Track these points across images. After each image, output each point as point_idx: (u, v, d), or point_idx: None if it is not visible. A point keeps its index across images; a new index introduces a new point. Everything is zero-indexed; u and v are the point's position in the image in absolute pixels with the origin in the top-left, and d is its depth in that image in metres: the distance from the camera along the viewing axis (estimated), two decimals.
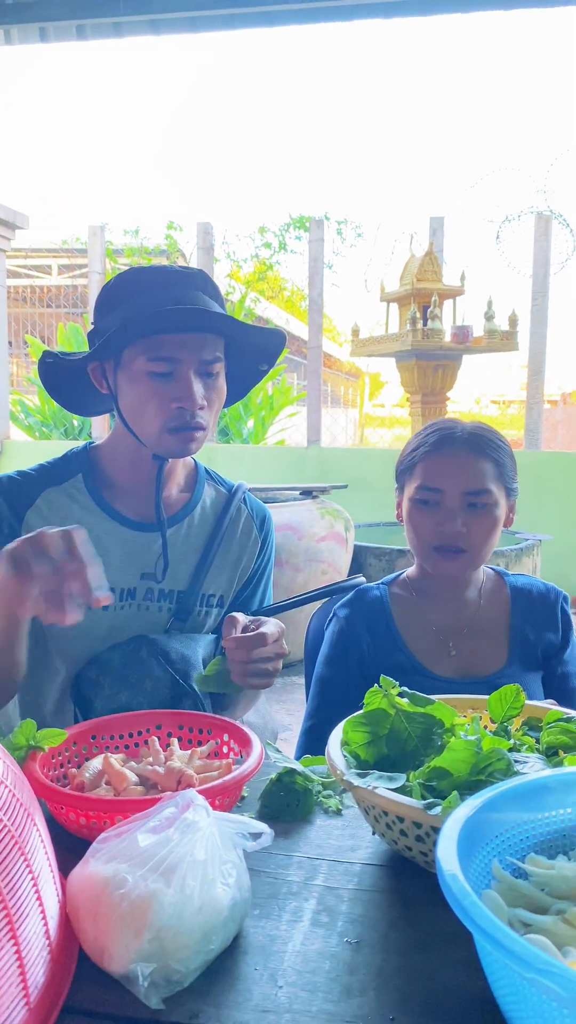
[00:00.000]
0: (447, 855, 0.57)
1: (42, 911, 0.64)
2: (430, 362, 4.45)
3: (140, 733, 1.02)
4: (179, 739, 1.01)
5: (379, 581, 1.44)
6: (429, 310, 4.27)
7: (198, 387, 1.18)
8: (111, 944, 0.64)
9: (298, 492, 4.41)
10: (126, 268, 1.47)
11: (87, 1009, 0.62)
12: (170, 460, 1.27)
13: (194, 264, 6.31)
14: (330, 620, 1.41)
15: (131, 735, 1.02)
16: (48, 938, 0.64)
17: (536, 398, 5.40)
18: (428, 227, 5.49)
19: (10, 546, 0.99)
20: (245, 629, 1.12)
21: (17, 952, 0.60)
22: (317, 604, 1.63)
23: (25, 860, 0.63)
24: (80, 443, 1.38)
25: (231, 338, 1.23)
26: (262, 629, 1.09)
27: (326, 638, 1.40)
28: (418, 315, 4.26)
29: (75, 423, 7.28)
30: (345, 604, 1.40)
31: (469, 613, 1.37)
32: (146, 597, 1.27)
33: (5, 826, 0.62)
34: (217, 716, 1.05)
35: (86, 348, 1.28)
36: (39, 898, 0.65)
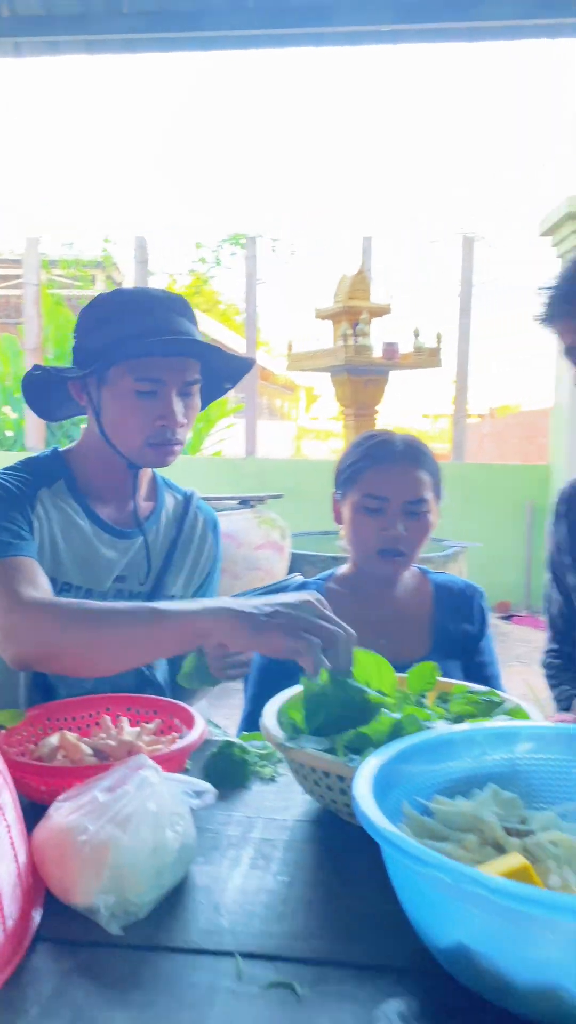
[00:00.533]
0: (362, 789, 0.69)
1: (14, 855, 0.74)
2: (361, 377, 4.62)
3: (91, 715, 1.11)
4: (128, 720, 1.11)
5: (315, 578, 1.56)
6: (359, 327, 4.43)
7: (179, 406, 1.29)
8: (76, 882, 0.74)
9: (236, 502, 4.51)
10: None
11: (57, 938, 0.72)
12: (143, 468, 1.37)
13: (130, 277, 6.38)
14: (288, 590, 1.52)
15: (83, 717, 1.11)
16: (19, 879, 0.73)
17: (462, 411, 5.62)
18: (359, 247, 5.68)
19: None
20: None
21: None
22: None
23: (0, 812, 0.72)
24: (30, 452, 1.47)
25: (207, 361, 1.34)
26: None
27: (255, 662, 1.50)
28: (349, 331, 4.42)
29: (8, 433, 7.25)
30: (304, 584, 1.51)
31: (397, 607, 1.50)
32: (116, 597, 1.35)
33: None
34: (163, 698, 1.15)
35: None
36: (12, 844, 0.74)
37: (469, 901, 0.56)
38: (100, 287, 9.73)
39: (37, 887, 0.77)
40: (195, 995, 0.64)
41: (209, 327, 9.31)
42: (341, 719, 0.94)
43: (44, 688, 1.28)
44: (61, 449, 1.43)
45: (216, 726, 1.12)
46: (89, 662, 1.08)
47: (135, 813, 0.77)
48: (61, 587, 1.30)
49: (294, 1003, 0.63)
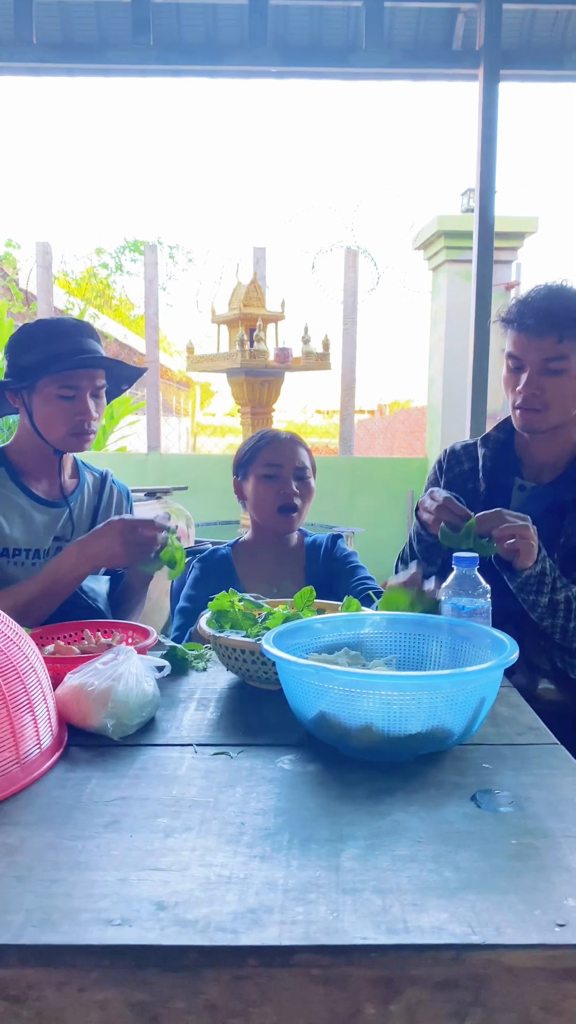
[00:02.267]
0: (268, 643, 1.16)
1: (45, 699, 1.18)
2: (258, 378, 5.07)
3: (72, 635, 1.55)
4: (101, 633, 1.55)
5: (225, 544, 2.03)
6: (255, 333, 4.89)
7: (92, 405, 1.77)
8: (90, 713, 1.18)
9: (143, 494, 4.91)
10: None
11: (81, 744, 1.16)
12: (66, 453, 1.83)
13: (33, 281, 6.65)
14: (190, 570, 1.98)
15: (65, 636, 1.55)
16: (49, 715, 1.17)
17: (349, 410, 6.19)
18: (252, 256, 6.15)
19: (121, 526, 1.62)
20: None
21: (35, 720, 1.13)
22: None
23: (36, 678, 1.17)
24: None
25: (110, 369, 1.81)
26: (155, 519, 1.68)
27: (187, 582, 1.97)
28: (245, 337, 4.87)
29: None
30: (200, 559, 1.98)
31: (285, 562, 1.99)
32: (57, 552, 1.79)
33: (26, 664, 1.15)
34: (121, 621, 1.60)
35: None
36: (44, 695, 1.18)
37: (326, 682, 1.05)
38: None
39: (61, 722, 1.21)
40: (168, 767, 1.10)
41: (112, 328, 9.64)
42: (243, 621, 1.43)
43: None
44: (3, 446, 1.87)
45: (165, 636, 1.57)
46: (30, 617, 1.59)
47: (124, 673, 1.22)
48: (12, 553, 1.75)
49: (229, 760, 1.11)
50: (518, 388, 1.67)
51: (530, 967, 0.70)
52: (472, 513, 1.55)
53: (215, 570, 1.96)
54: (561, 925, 0.72)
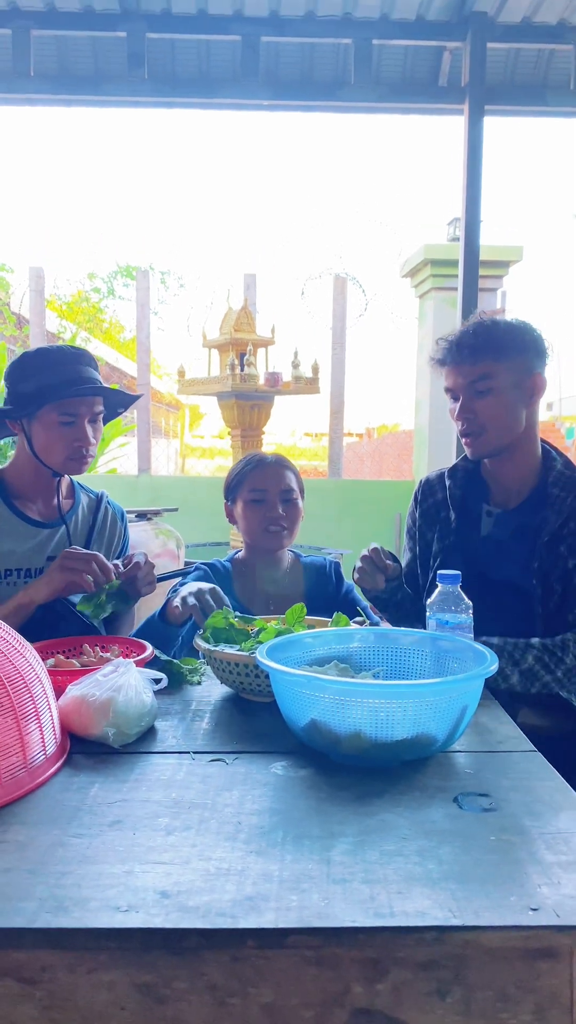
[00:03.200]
0: (262, 655, 1.23)
1: (50, 708, 1.23)
2: (248, 402, 5.15)
3: (71, 649, 1.61)
4: (99, 648, 1.61)
5: (223, 559, 2.09)
6: (245, 358, 4.98)
7: (89, 431, 1.83)
8: (91, 723, 1.24)
9: (134, 515, 4.96)
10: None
11: (83, 751, 1.22)
12: (63, 475, 1.89)
13: (26, 305, 6.74)
14: (189, 577, 2.05)
15: (66, 651, 1.60)
16: (53, 724, 1.23)
17: (337, 433, 6.28)
18: (243, 282, 6.26)
19: (63, 554, 1.71)
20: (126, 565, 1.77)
21: (40, 728, 1.18)
22: (169, 584, 2.28)
23: (42, 688, 1.22)
24: None
25: (107, 396, 1.88)
26: (137, 561, 1.76)
27: (181, 582, 2.03)
28: (236, 361, 4.95)
29: None
30: (202, 568, 2.04)
31: (280, 581, 2.06)
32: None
33: (32, 675, 1.21)
34: (118, 636, 1.66)
35: None
36: (48, 705, 1.23)
37: (317, 691, 1.11)
38: None
39: (64, 731, 1.27)
40: (167, 772, 1.16)
41: (104, 352, 9.75)
42: (237, 636, 1.49)
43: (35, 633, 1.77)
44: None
45: (161, 653, 1.63)
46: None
47: (124, 684, 1.28)
48: (4, 574, 1.81)
49: (225, 766, 1.16)
50: (456, 416, 1.76)
51: (506, 947, 0.76)
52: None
53: (214, 571, 2.03)
54: (534, 909, 0.78)
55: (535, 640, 1.63)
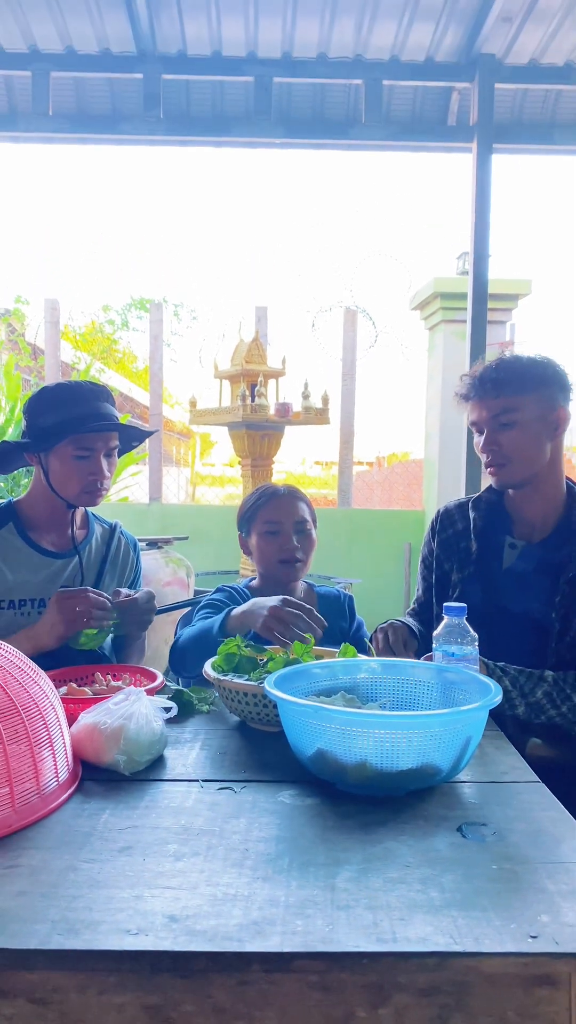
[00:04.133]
0: (270, 685, 1.25)
1: (63, 736, 1.26)
2: (258, 432, 5.21)
3: (83, 678, 1.63)
4: (111, 676, 1.64)
5: (240, 584, 2.13)
6: (256, 388, 5.04)
7: (104, 464, 1.87)
8: (103, 750, 1.27)
9: (145, 543, 5.00)
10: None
11: (95, 778, 1.24)
12: (78, 507, 1.93)
13: (41, 336, 6.84)
14: (213, 592, 2.07)
15: (79, 679, 1.63)
16: (66, 751, 1.26)
17: (347, 463, 6.32)
18: (254, 315, 6.35)
19: (57, 597, 1.73)
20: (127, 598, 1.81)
21: (53, 755, 1.21)
22: (179, 613, 2.31)
23: (55, 716, 1.25)
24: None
25: (122, 431, 1.92)
26: (135, 596, 1.80)
27: (207, 598, 2.06)
28: (247, 392, 5.01)
29: None
30: (219, 590, 2.07)
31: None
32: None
33: (46, 702, 1.24)
34: (129, 664, 1.69)
35: None
36: (61, 732, 1.26)
37: (324, 721, 1.14)
38: (2, 337, 10.11)
39: (76, 758, 1.29)
40: (176, 799, 1.18)
41: (117, 382, 9.87)
42: (246, 664, 1.52)
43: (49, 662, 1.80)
44: (14, 500, 1.97)
45: (171, 681, 1.66)
46: None
47: (135, 713, 1.31)
48: (18, 604, 1.85)
49: (233, 794, 1.19)
50: (481, 448, 1.80)
51: (506, 974, 0.78)
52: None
53: (237, 594, 2.07)
54: (534, 937, 0.80)
55: (548, 673, 1.65)
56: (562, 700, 1.62)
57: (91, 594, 1.72)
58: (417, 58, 4.20)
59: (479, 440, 1.82)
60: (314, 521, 2.10)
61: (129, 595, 1.81)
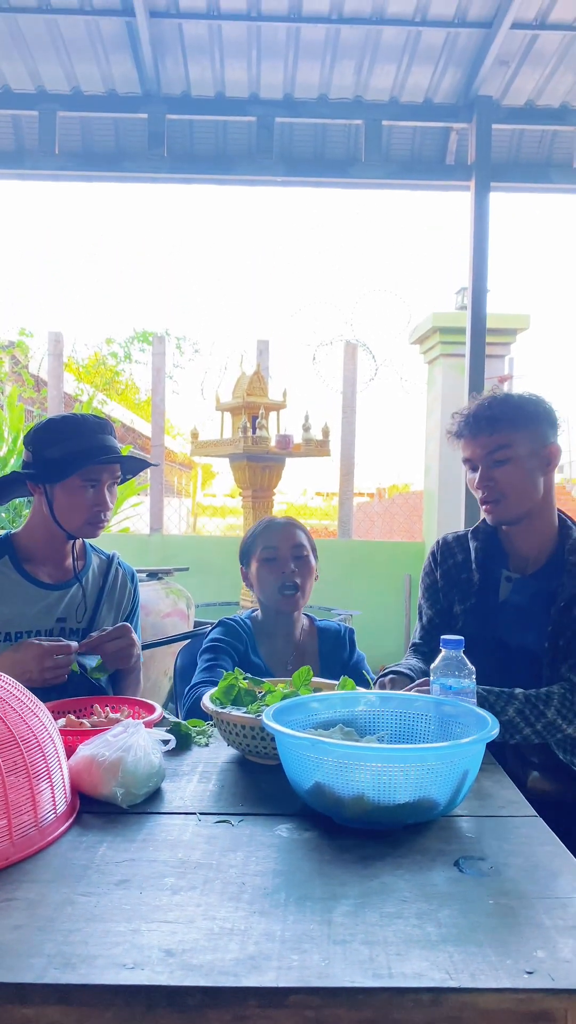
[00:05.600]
0: (268, 717, 1.26)
1: (62, 768, 1.26)
2: (259, 463, 5.24)
3: (81, 710, 1.64)
4: (110, 709, 1.64)
5: (242, 616, 2.13)
6: (257, 420, 5.08)
7: (108, 496, 1.89)
8: (101, 782, 1.27)
9: (145, 575, 5.01)
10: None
11: (92, 811, 1.24)
12: (78, 538, 1.95)
13: (44, 368, 6.90)
14: (215, 627, 2.08)
15: (76, 711, 1.63)
16: (64, 783, 1.26)
17: (347, 495, 6.35)
18: (256, 348, 6.41)
19: (39, 651, 1.71)
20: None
21: (51, 787, 1.21)
22: (179, 645, 2.31)
23: (54, 748, 1.26)
24: None
25: (124, 462, 1.95)
26: (104, 632, 1.83)
27: (209, 638, 2.06)
28: (248, 424, 5.05)
29: None
30: (220, 625, 2.08)
31: (295, 642, 2.09)
32: (60, 632, 1.90)
33: (45, 734, 1.24)
34: (127, 696, 1.69)
35: None
36: (60, 764, 1.26)
37: (321, 754, 1.14)
38: (6, 368, 10.22)
39: (74, 791, 1.29)
40: (174, 833, 1.18)
41: (119, 413, 9.95)
42: (245, 697, 1.52)
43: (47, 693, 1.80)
44: (11, 533, 2.00)
45: (170, 714, 1.66)
46: None
47: (133, 745, 1.31)
48: (14, 636, 1.86)
49: (231, 827, 1.19)
50: (476, 485, 1.82)
51: (502, 1010, 0.77)
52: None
53: (242, 630, 2.07)
54: (530, 972, 0.80)
55: (518, 691, 1.65)
56: (536, 717, 1.62)
57: (49, 651, 1.71)
58: (416, 99, 4.29)
59: (473, 477, 1.84)
60: (314, 552, 2.11)
61: (102, 631, 1.84)
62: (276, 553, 2.05)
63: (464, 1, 3.73)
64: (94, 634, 1.85)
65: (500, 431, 1.77)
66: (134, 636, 1.88)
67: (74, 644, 1.75)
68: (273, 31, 3.93)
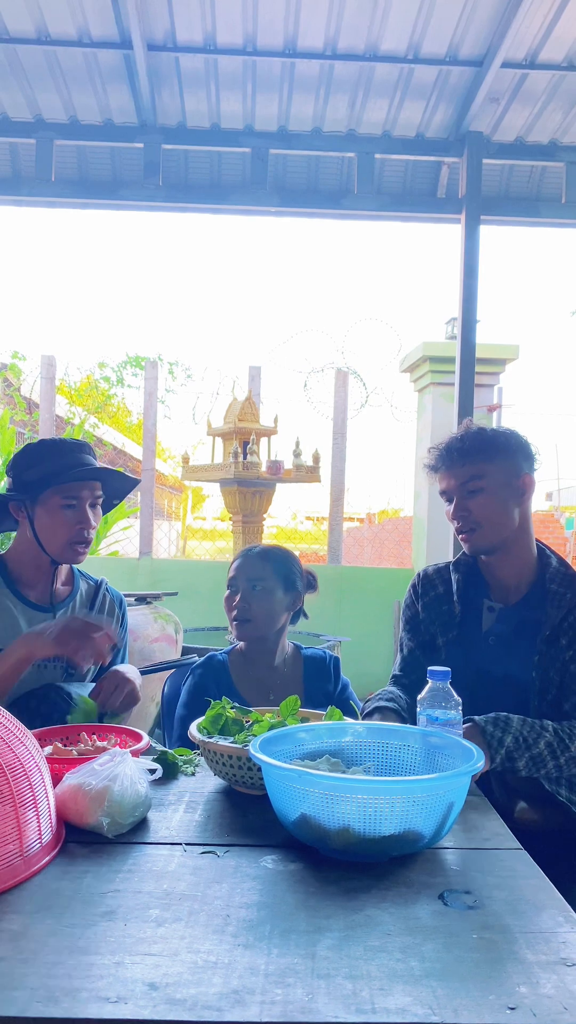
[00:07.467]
0: (255, 748, 1.26)
1: (47, 797, 1.26)
2: (250, 488, 5.25)
3: (68, 737, 1.64)
4: (96, 737, 1.64)
5: (221, 651, 2.13)
6: (248, 446, 5.10)
7: (90, 515, 1.91)
8: (87, 811, 1.27)
9: (134, 599, 5.00)
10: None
11: (78, 840, 1.24)
12: (61, 564, 1.96)
13: (36, 391, 6.91)
14: (188, 676, 2.08)
15: (63, 739, 1.63)
16: (50, 812, 1.26)
17: (337, 521, 6.36)
18: (248, 374, 6.45)
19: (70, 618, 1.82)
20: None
21: (37, 816, 1.21)
22: (167, 673, 2.31)
23: (40, 777, 1.26)
24: None
25: (107, 481, 1.97)
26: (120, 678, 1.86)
27: (185, 688, 2.06)
28: (239, 450, 5.08)
29: None
30: (200, 666, 2.08)
31: (279, 671, 2.09)
32: (43, 659, 1.90)
33: (31, 763, 1.24)
34: (116, 725, 1.69)
35: None
36: (46, 793, 1.26)
37: (307, 786, 1.15)
38: None
39: (60, 820, 1.29)
40: (159, 863, 1.18)
41: (112, 437, 9.98)
42: (232, 727, 1.53)
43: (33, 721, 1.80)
44: (2, 553, 2.00)
45: (157, 743, 1.66)
46: None
47: (119, 774, 1.31)
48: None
49: (216, 858, 1.19)
50: (452, 516, 1.84)
51: None
52: None
53: (213, 676, 2.06)
54: (512, 1008, 0.80)
55: (548, 723, 1.65)
56: (562, 751, 1.63)
57: (97, 642, 1.77)
58: (408, 134, 4.37)
59: (449, 508, 1.87)
60: (288, 582, 2.09)
61: (119, 674, 1.87)
62: (235, 584, 2.07)
63: (456, 40, 3.81)
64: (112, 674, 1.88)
65: (473, 462, 1.81)
66: (126, 675, 1.88)
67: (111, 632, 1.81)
68: (268, 65, 4.00)
